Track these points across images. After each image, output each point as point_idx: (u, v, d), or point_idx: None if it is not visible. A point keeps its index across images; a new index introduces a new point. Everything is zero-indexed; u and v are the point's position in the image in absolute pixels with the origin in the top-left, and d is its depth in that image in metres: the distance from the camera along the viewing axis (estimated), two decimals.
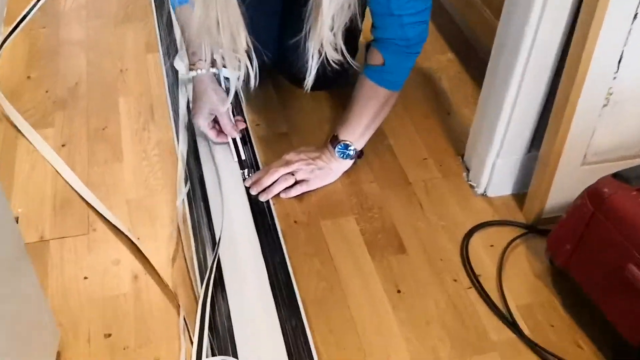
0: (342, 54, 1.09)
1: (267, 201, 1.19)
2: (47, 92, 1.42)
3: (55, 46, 1.56)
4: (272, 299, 1.02)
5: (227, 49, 1.07)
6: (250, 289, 1.04)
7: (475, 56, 1.55)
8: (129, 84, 1.45)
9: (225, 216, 1.14)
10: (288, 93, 1.44)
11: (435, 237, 1.14)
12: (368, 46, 1.20)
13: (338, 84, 1.43)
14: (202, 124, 1.25)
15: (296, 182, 1.20)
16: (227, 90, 1.26)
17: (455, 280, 1.07)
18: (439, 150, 1.31)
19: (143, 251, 1.09)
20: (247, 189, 1.20)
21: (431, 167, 1.27)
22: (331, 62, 1.08)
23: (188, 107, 1.36)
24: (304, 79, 1.11)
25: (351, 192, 1.21)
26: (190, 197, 1.19)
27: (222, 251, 1.09)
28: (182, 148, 1.28)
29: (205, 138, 1.29)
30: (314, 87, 1.13)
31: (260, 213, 1.16)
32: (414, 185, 1.23)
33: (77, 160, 1.26)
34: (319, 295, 1.04)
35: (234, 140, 1.27)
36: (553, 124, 1.07)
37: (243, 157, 1.26)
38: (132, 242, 1.10)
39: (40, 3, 1.69)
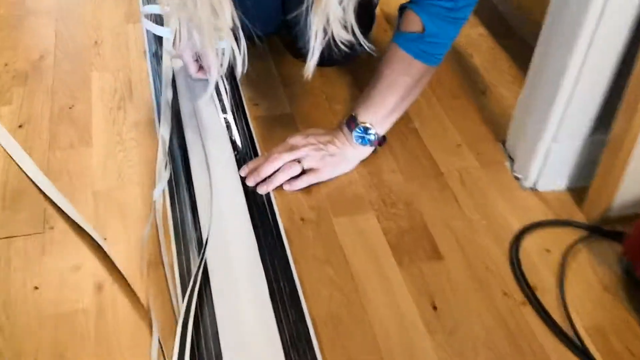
0: (353, 34, 0.86)
1: (267, 194, 0.96)
2: (5, 65, 1.20)
3: (20, 16, 1.33)
4: (273, 317, 0.79)
5: (206, 27, 0.84)
6: (245, 303, 0.81)
7: (509, 30, 1.34)
8: (104, 58, 1.22)
9: (215, 212, 0.92)
10: (291, 67, 1.21)
11: (477, 239, 0.91)
12: (402, 9, 0.97)
13: (346, 63, 1.21)
14: (185, 54, 1.07)
15: (303, 172, 0.98)
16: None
17: (505, 294, 0.84)
18: (474, 135, 1.08)
19: (110, 255, 0.86)
20: (243, 179, 0.98)
21: (466, 155, 1.05)
22: (339, 42, 0.86)
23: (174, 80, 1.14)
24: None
25: (370, 183, 0.99)
26: (172, 188, 0.96)
27: (210, 255, 0.86)
28: (163, 130, 1.05)
29: (193, 116, 1.07)
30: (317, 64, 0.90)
31: (259, 209, 0.94)
32: (446, 176, 1.01)
33: (35, 143, 1.04)
34: (333, 311, 0.81)
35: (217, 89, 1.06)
36: (630, 98, 0.84)
37: (236, 140, 1.04)
38: (97, 243, 0.88)
39: None
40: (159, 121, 1.07)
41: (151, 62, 1.20)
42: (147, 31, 1.28)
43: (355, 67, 1.21)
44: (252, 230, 0.90)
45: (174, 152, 1.02)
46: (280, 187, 0.97)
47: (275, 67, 1.22)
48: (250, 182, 0.97)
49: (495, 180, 1.00)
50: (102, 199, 0.95)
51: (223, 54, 0.94)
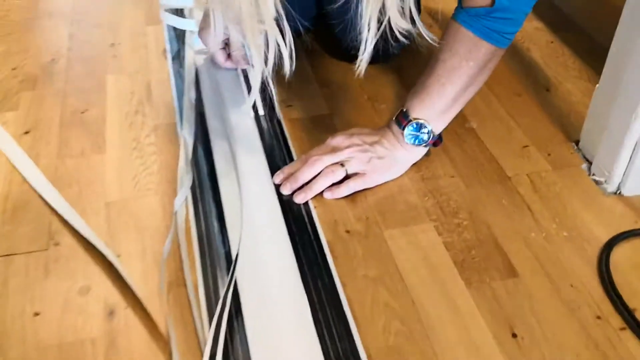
0: (412, 21, 0.73)
1: (306, 204, 0.82)
2: (14, 69, 1.08)
3: (32, 18, 1.23)
4: (320, 350, 0.65)
5: (247, 18, 0.71)
6: (284, 333, 0.67)
7: (567, 22, 1.20)
8: (121, 60, 1.11)
9: (246, 224, 0.78)
10: (327, 65, 1.09)
11: (559, 253, 0.76)
12: None
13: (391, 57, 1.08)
14: (212, 41, 0.98)
15: (347, 177, 0.84)
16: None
17: (598, 318, 0.69)
18: (542, 135, 0.94)
19: (123, 275, 0.73)
20: (278, 187, 0.84)
21: (536, 157, 0.90)
22: (396, 32, 0.73)
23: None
24: (356, 56, 0.76)
25: (425, 190, 0.85)
26: (196, 197, 0.83)
27: (241, 274, 0.73)
28: (186, 133, 0.92)
29: (220, 118, 0.94)
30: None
31: (297, 220, 0.80)
32: (514, 181, 0.86)
33: (42, 150, 0.92)
34: (391, 342, 0.67)
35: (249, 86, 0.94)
36: None
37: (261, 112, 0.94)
38: (109, 261, 0.75)
39: None
40: (181, 124, 0.95)
41: (172, 62, 1.08)
42: (168, 30, 1.17)
43: (399, 62, 1.08)
44: (290, 245, 0.76)
45: (198, 157, 0.89)
46: (320, 194, 0.83)
47: (311, 67, 1.09)
48: (285, 190, 0.83)
49: (573, 185, 0.86)
50: (115, 211, 0.82)
51: (267, 48, 0.81)
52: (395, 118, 0.86)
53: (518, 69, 1.08)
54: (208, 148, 0.91)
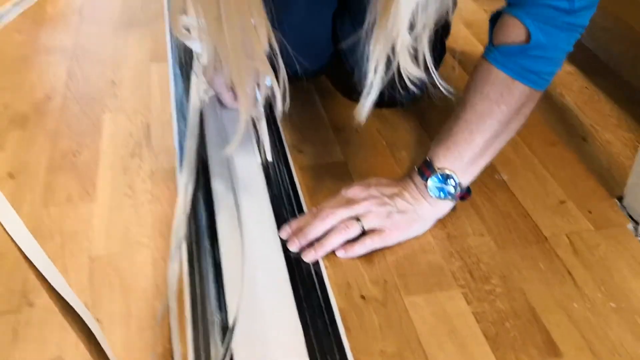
0: (426, 69, 0.65)
1: (316, 263, 0.73)
2: (4, 106, 1.01)
3: (30, 54, 1.16)
4: None
5: (233, 53, 0.62)
6: None
7: (604, 68, 1.12)
8: (121, 99, 1.03)
9: (247, 286, 0.69)
10: (342, 109, 1.00)
11: (606, 328, 0.66)
12: (495, 17, 0.74)
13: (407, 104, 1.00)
14: (218, 81, 0.91)
15: (364, 233, 0.74)
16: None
17: None
18: (580, 189, 0.84)
19: (103, 344, 0.63)
20: (285, 242, 0.75)
21: (574, 215, 0.80)
22: (406, 79, 0.64)
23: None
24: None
25: (451, 250, 0.75)
26: (192, 254, 0.74)
27: (239, 345, 0.63)
28: (185, 179, 0.84)
29: (224, 165, 0.85)
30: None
31: (305, 282, 0.70)
32: (552, 242, 0.76)
33: (26, 197, 0.83)
34: None
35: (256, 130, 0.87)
36: None
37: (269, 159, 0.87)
38: (89, 327, 0.65)
39: (19, 8, 1.31)
40: (181, 169, 0.86)
41: (176, 103, 1.00)
42: (174, 68, 1.09)
43: (421, 106, 0.99)
44: (296, 312, 0.66)
45: (197, 207, 0.80)
46: (333, 253, 0.73)
47: (324, 109, 1.00)
48: (293, 247, 0.74)
49: (618, 248, 0.75)
50: (100, 267, 0.72)
51: (259, 87, 0.73)
52: (418, 168, 0.77)
53: (551, 116, 0.99)
54: (209, 197, 0.82)
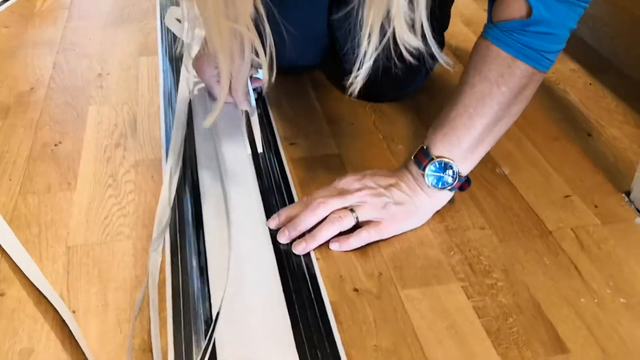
0: (424, 37, 0.60)
1: (307, 255, 0.68)
2: None
3: (16, 47, 1.12)
4: None
5: (213, 14, 0.57)
6: None
7: (607, 65, 1.08)
8: (107, 90, 0.99)
9: (232, 277, 0.64)
10: (336, 100, 0.96)
11: (616, 324, 0.61)
12: None
13: (406, 93, 0.96)
14: (208, 72, 0.88)
15: (357, 225, 0.70)
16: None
17: None
18: (586, 184, 0.80)
19: (77, 336, 0.58)
20: (274, 233, 0.71)
21: (580, 209, 0.76)
22: (403, 50, 0.60)
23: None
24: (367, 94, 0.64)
25: (450, 243, 0.71)
26: (176, 244, 0.70)
27: (222, 337, 0.58)
28: (171, 168, 0.80)
29: (213, 157, 0.82)
30: (366, 95, 0.64)
31: (295, 275, 0.66)
32: (556, 236, 0.72)
33: (3, 186, 0.79)
34: None
35: (248, 122, 0.84)
36: None
37: (260, 150, 0.83)
38: (62, 318, 0.60)
39: (8, 3, 1.28)
40: (167, 159, 0.82)
41: (164, 95, 0.97)
42: (163, 61, 1.06)
43: (418, 100, 0.95)
44: (285, 306, 0.62)
45: (183, 197, 0.76)
46: (325, 244, 0.69)
47: (318, 102, 0.97)
48: (283, 238, 0.70)
49: (627, 243, 0.71)
50: (77, 258, 0.68)
51: (251, 79, 0.68)
52: (415, 157, 0.73)
53: (554, 112, 0.95)
54: (196, 188, 0.78)
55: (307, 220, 0.70)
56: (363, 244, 0.69)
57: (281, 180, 0.79)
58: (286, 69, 0.84)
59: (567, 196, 0.78)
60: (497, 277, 0.66)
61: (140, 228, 0.72)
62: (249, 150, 0.84)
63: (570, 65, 1.08)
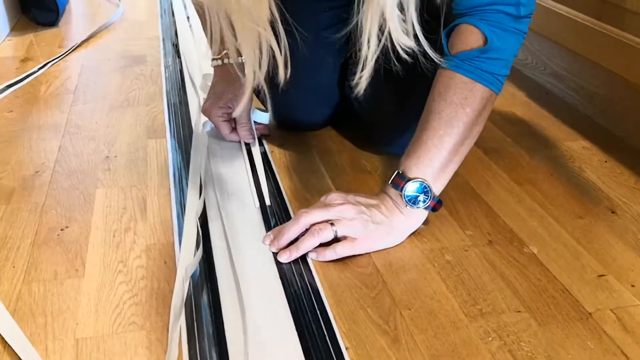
0: (416, 38, 0.71)
1: (334, 339, 0.64)
2: None
3: (20, 130, 1.10)
4: None
5: (241, 17, 0.68)
6: None
7: (621, 142, 1.08)
8: (114, 173, 0.96)
9: None
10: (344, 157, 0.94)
11: None
12: (449, 32, 0.79)
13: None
14: (215, 114, 1.00)
15: (337, 238, 0.75)
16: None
17: None
18: (619, 262, 0.77)
19: None
20: (299, 329, 0.66)
21: (616, 288, 0.73)
22: (398, 47, 0.70)
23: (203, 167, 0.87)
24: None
25: (487, 328, 0.66)
26: (194, 334, 0.65)
27: None
28: (184, 254, 0.76)
29: (223, 238, 0.78)
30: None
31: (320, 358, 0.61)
32: (597, 318, 0.68)
33: (6, 274, 0.74)
34: None
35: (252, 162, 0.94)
36: None
37: (267, 203, 0.87)
38: None
39: (12, 89, 1.27)
40: (180, 244, 0.78)
41: (174, 176, 0.94)
42: (171, 140, 1.04)
43: None
44: None
45: (198, 286, 0.72)
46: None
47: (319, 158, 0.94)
48: (273, 248, 0.77)
49: None
50: (87, 351, 0.63)
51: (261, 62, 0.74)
52: (392, 181, 0.78)
53: (574, 190, 0.93)
54: (212, 273, 0.74)
55: (291, 231, 0.75)
56: (337, 257, 0.75)
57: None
58: (295, 127, 1.03)
59: (601, 275, 0.75)
60: None
61: (154, 317, 0.67)
62: (257, 203, 0.87)
63: (581, 142, 1.07)
